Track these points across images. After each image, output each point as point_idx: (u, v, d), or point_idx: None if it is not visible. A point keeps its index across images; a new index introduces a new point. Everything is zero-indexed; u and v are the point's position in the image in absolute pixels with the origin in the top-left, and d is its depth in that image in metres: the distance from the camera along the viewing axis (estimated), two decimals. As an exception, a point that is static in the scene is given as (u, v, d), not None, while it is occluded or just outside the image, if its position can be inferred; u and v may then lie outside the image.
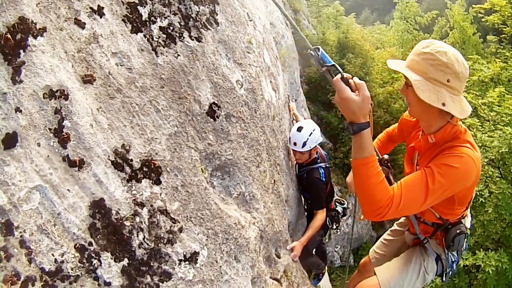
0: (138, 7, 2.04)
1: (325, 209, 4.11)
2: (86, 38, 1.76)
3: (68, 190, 1.58)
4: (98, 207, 1.65)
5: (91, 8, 1.82)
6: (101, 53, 1.81)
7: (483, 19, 9.58)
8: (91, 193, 1.65)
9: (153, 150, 1.89)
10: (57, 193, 1.55)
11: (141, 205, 1.80)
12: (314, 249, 4.36)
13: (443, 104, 1.85)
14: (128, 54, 1.92)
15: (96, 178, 1.66)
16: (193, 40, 2.33)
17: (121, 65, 1.89)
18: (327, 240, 8.30)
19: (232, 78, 2.64)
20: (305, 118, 6.98)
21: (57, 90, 1.59)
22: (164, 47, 2.13)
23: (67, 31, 1.69)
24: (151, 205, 1.84)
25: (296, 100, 6.23)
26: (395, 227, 3.32)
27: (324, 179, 4.07)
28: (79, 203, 1.60)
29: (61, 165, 1.57)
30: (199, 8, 2.42)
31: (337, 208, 4.60)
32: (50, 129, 1.56)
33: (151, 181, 1.86)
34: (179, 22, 2.25)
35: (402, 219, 3.28)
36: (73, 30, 1.72)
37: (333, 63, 1.72)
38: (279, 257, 3.42)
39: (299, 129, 3.88)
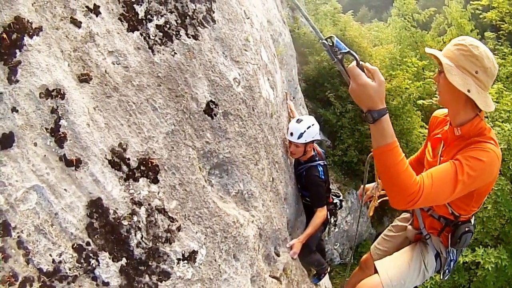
0: (135, 5, 2.03)
1: (325, 207, 4.09)
2: (82, 37, 1.75)
3: (65, 189, 1.57)
4: (96, 207, 1.65)
5: (87, 7, 1.81)
6: (97, 52, 1.80)
7: (480, 16, 9.54)
8: (88, 192, 1.64)
9: (150, 149, 1.89)
10: (54, 193, 1.54)
11: (139, 204, 1.79)
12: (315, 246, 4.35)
13: (468, 91, 1.99)
14: (124, 52, 1.92)
15: (93, 178, 1.65)
16: (189, 38, 2.33)
17: (117, 64, 1.88)
18: (326, 238, 8.29)
19: (229, 76, 2.64)
20: (303, 116, 6.98)
21: (53, 90, 1.58)
22: (160, 45, 2.12)
23: (63, 30, 1.68)
24: (149, 204, 1.84)
25: (294, 98, 6.21)
26: (396, 222, 3.31)
27: (323, 177, 4.06)
28: (76, 203, 1.59)
29: (58, 165, 1.57)
30: (195, 6, 2.41)
31: (335, 201, 4.61)
32: (46, 128, 1.55)
33: (148, 180, 1.86)
34: (175, 20, 2.24)
35: (405, 214, 3.27)
36: (69, 29, 1.71)
37: (348, 49, 1.71)
38: (278, 255, 3.41)
39: (299, 120, 3.90)
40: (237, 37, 2.86)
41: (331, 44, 1.72)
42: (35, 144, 1.51)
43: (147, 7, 2.07)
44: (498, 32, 9.52)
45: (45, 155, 1.54)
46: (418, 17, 13.62)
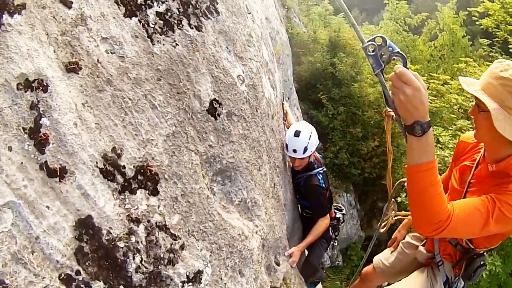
0: (133, -12, 1.77)
1: (328, 216, 3.86)
2: (73, 19, 1.49)
3: (48, 207, 1.29)
4: (85, 227, 1.37)
5: None
6: (89, 38, 1.53)
7: (477, 23, 9.54)
8: (76, 209, 1.36)
9: (149, 154, 1.62)
10: (34, 211, 1.26)
11: (137, 221, 1.51)
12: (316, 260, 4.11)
13: None
14: (120, 40, 1.65)
15: (81, 191, 1.37)
16: (192, 29, 2.08)
17: (112, 53, 1.61)
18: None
19: (233, 73, 2.39)
20: (297, 117, 6.77)
21: (34, 80, 1.30)
22: (161, 35, 1.86)
23: (51, 10, 1.42)
24: (148, 221, 1.56)
25: (289, 99, 6.01)
26: (408, 239, 3.12)
27: (323, 185, 3.81)
28: (61, 223, 1.31)
29: (38, 175, 1.28)
30: (199, -7, 2.16)
31: (337, 216, 4.38)
32: (24, 128, 1.27)
33: (147, 191, 1.58)
34: (177, 8, 1.99)
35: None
36: (58, 9, 1.45)
37: (398, 50, 1.48)
38: (278, 264, 3.25)
39: (297, 133, 3.52)
40: (241, 32, 2.62)
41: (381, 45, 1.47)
42: (10, 149, 1.23)
43: (146, -9, 1.81)
44: (493, 39, 9.50)
45: (22, 163, 1.25)
46: (410, 22, 13.64)
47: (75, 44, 1.46)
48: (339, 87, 9.23)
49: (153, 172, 1.61)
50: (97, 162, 1.43)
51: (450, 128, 7.46)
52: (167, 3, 1.94)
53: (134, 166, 1.55)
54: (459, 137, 2.61)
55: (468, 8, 10.60)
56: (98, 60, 1.52)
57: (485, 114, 1.77)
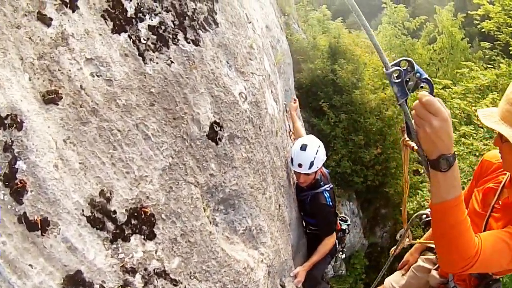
0: (123, 0, 1.58)
1: (334, 234, 3.67)
2: (52, 39, 1.31)
3: (31, 265, 1.10)
4: (75, 284, 1.18)
5: None
6: (71, 60, 1.34)
7: (478, 26, 9.40)
8: (63, 265, 1.18)
9: (143, 193, 1.42)
10: (16, 270, 1.08)
11: (133, 271, 1.32)
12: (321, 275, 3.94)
13: None
14: (107, 60, 1.46)
15: (67, 244, 1.19)
16: (189, 43, 1.90)
17: (97, 76, 1.42)
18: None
19: (234, 90, 2.20)
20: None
21: (7, 116, 1.11)
22: (154, 52, 1.68)
23: (26, 30, 1.24)
24: (145, 269, 1.37)
25: (290, 109, 5.81)
26: (420, 262, 2.93)
27: (330, 203, 3.60)
28: (48, 282, 1.13)
29: (17, 229, 1.10)
30: (196, 4, 1.99)
31: (343, 228, 4.18)
32: (-4, 174, 1.07)
33: (142, 236, 1.39)
34: (172, 21, 1.81)
35: (430, 255, 2.89)
36: (35, 28, 1.27)
37: (427, 75, 1.29)
38: (284, 286, 3.09)
39: (303, 147, 3.32)
40: (242, 44, 2.44)
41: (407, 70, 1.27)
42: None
43: (138, 3, 1.63)
44: (494, 42, 9.36)
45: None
46: (409, 25, 13.56)
47: (54, 69, 1.27)
48: (340, 94, 9.05)
49: (148, 214, 1.42)
50: (83, 210, 1.24)
51: (453, 133, 7.32)
52: (160, 15, 1.76)
53: (126, 210, 1.35)
54: (482, 156, 2.43)
55: (468, 12, 10.49)
56: (81, 86, 1.33)
57: (508, 144, 1.62)
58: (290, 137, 4.22)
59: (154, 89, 1.59)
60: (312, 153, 3.30)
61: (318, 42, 9.55)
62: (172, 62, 1.75)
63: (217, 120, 1.94)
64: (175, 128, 1.63)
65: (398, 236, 2.58)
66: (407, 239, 2.59)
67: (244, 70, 2.40)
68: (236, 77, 2.29)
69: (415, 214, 2.38)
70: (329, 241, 3.63)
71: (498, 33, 8.87)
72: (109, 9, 1.54)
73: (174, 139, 1.61)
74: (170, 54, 1.75)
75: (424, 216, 2.47)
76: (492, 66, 9.07)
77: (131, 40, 1.59)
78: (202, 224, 1.67)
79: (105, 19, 1.52)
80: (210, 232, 1.73)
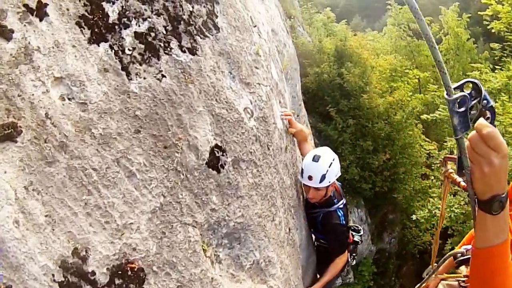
0: (103, 3, 1.30)
1: (346, 252, 3.37)
2: (13, 56, 1.03)
3: None
4: None
5: (25, 5, 1.11)
6: (35, 81, 1.06)
7: (488, 27, 9.15)
8: None
9: (128, 246, 1.13)
10: None
11: None
12: None
13: None
14: (81, 78, 1.17)
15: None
16: (185, 52, 1.62)
17: (68, 99, 1.13)
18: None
19: (238, 106, 1.91)
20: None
21: None
22: (141, 64, 1.39)
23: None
24: None
25: (298, 116, 5.52)
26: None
27: (344, 222, 3.28)
28: None
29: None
30: (193, 7, 1.70)
31: (355, 239, 3.85)
32: None
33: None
34: (164, 26, 1.53)
35: (451, 281, 2.63)
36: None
37: (493, 103, 0.99)
38: None
39: (316, 158, 2.98)
40: (246, 51, 2.15)
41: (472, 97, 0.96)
42: None
43: (122, 6, 1.33)
44: (504, 43, 9.11)
45: None
46: (414, 26, 13.33)
47: (13, 95, 0.98)
48: (347, 99, 8.82)
49: (136, 269, 1.13)
50: (53, 275, 0.97)
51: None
52: (150, 19, 1.47)
53: (107, 269, 1.07)
54: None
55: (471, 12, 10.29)
56: (46, 115, 1.04)
57: None
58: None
59: (140, 112, 1.29)
60: (324, 166, 2.96)
61: (324, 45, 9.31)
62: (163, 76, 1.45)
63: (219, 143, 1.64)
64: (166, 159, 1.33)
65: (424, 274, 2.28)
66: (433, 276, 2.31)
67: (249, 80, 2.10)
68: (241, 90, 2.00)
69: (449, 253, 2.08)
70: (341, 261, 3.37)
71: (509, 34, 8.62)
72: (87, 14, 1.26)
73: (165, 173, 1.31)
74: (161, 66, 1.46)
75: (459, 255, 2.18)
76: (500, 68, 8.85)
77: (113, 51, 1.30)
78: (202, 271, 1.38)
79: (80, 27, 1.24)
80: (212, 279, 1.44)
